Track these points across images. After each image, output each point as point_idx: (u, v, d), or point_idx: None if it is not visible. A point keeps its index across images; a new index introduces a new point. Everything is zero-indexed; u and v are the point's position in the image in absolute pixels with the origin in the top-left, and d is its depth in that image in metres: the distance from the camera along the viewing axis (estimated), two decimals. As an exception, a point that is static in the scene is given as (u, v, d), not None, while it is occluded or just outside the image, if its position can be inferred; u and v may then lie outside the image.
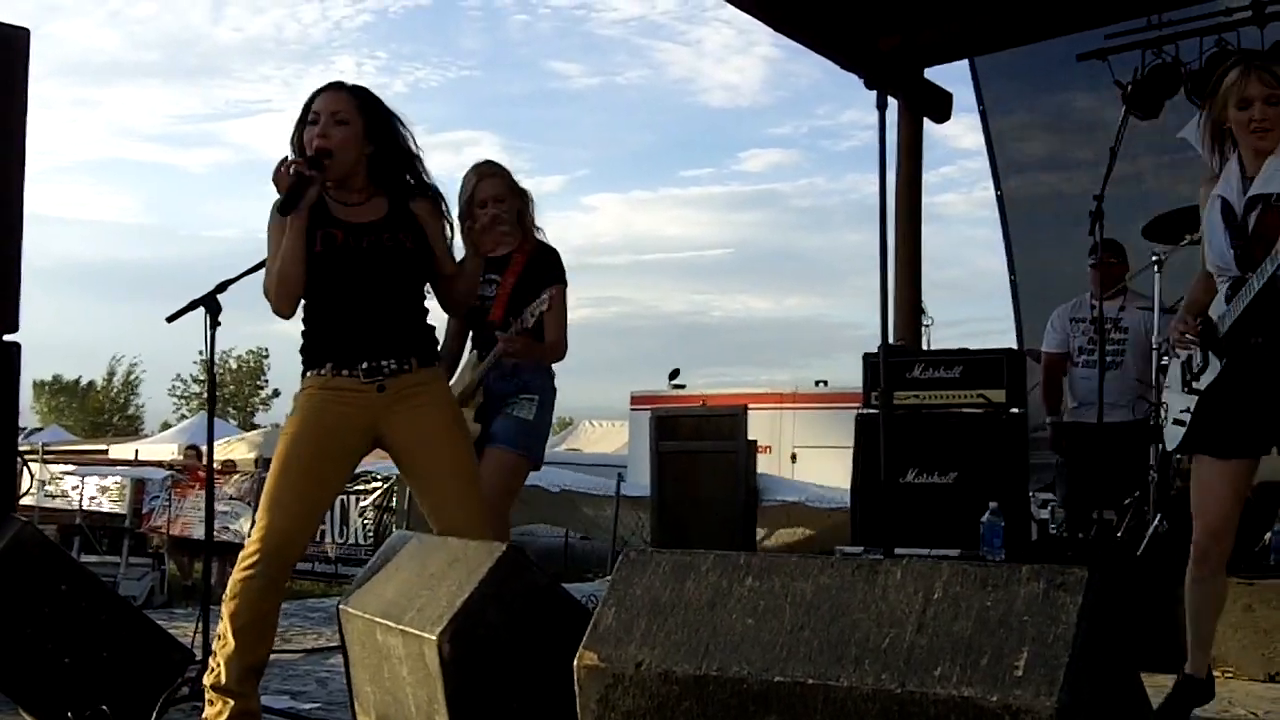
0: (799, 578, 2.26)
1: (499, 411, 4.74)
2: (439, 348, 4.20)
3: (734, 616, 2.25)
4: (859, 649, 2.09)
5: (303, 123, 3.72)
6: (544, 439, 4.93)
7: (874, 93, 5.62)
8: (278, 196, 3.59)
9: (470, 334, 4.95)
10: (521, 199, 4.88)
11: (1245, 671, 4.86)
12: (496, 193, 4.78)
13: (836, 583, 2.22)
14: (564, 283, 4.79)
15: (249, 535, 3.62)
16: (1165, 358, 6.16)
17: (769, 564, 2.32)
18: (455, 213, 4.50)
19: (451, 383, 4.81)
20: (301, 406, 3.69)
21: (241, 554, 3.54)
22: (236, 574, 3.50)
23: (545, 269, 4.82)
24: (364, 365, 3.65)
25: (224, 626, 3.49)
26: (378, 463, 11.85)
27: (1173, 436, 4.05)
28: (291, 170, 3.57)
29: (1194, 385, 3.91)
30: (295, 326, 3.77)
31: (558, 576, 4.88)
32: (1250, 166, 3.73)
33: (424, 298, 3.86)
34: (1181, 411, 3.99)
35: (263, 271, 3.77)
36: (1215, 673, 4.83)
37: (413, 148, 3.86)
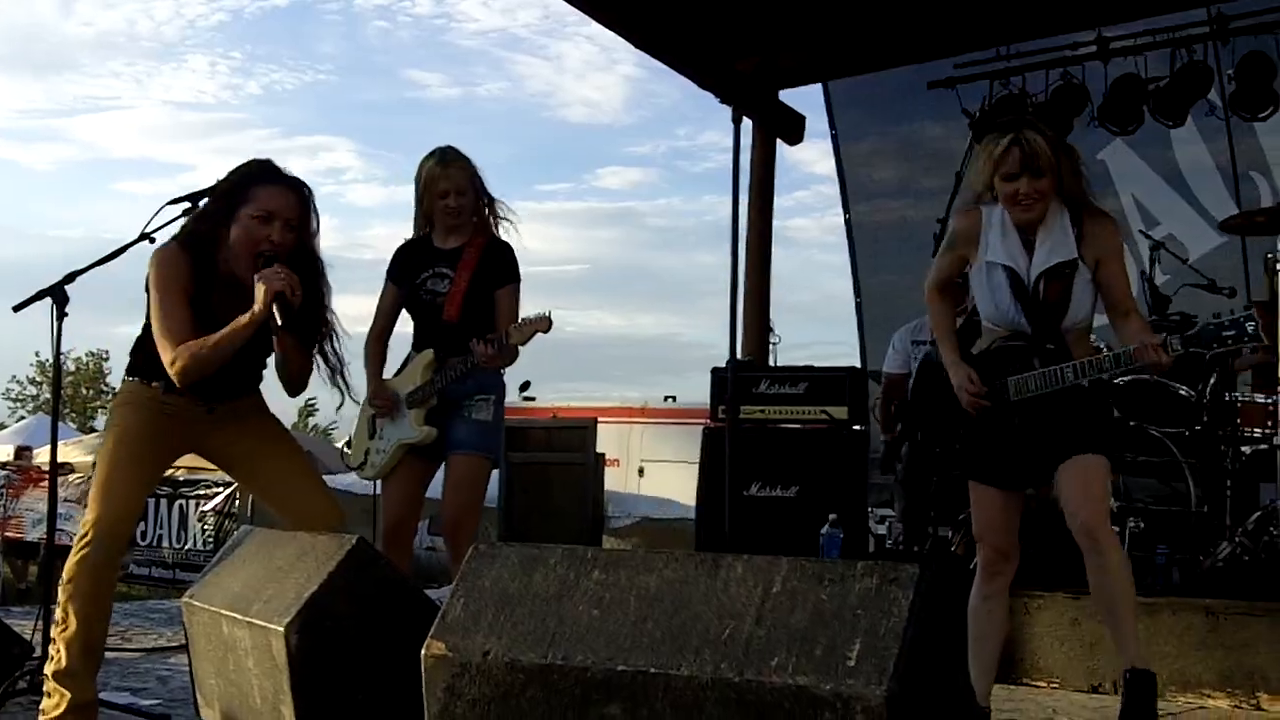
0: (643, 571, 2.32)
1: (457, 414, 4.62)
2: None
3: (580, 608, 2.31)
4: (699, 640, 2.16)
5: (238, 200, 3.69)
6: (501, 435, 4.87)
7: (730, 113, 5.76)
8: (275, 308, 3.55)
9: (415, 328, 4.81)
10: (480, 195, 4.74)
11: (1070, 683, 5.01)
12: (458, 185, 4.65)
13: (679, 576, 2.29)
14: (517, 280, 4.69)
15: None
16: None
17: (615, 558, 2.39)
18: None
19: (396, 377, 4.79)
20: (129, 410, 3.76)
21: (76, 538, 3.58)
22: (73, 557, 3.54)
23: (499, 266, 4.69)
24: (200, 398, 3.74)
25: (63, 611, 3.51)
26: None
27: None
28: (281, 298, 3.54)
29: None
30: (136, 330, 3.80)
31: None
32: (1028, 233, 3.77)
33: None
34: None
35: (100, 269, 3.80)
36: (1041, 683, 5.03)
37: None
